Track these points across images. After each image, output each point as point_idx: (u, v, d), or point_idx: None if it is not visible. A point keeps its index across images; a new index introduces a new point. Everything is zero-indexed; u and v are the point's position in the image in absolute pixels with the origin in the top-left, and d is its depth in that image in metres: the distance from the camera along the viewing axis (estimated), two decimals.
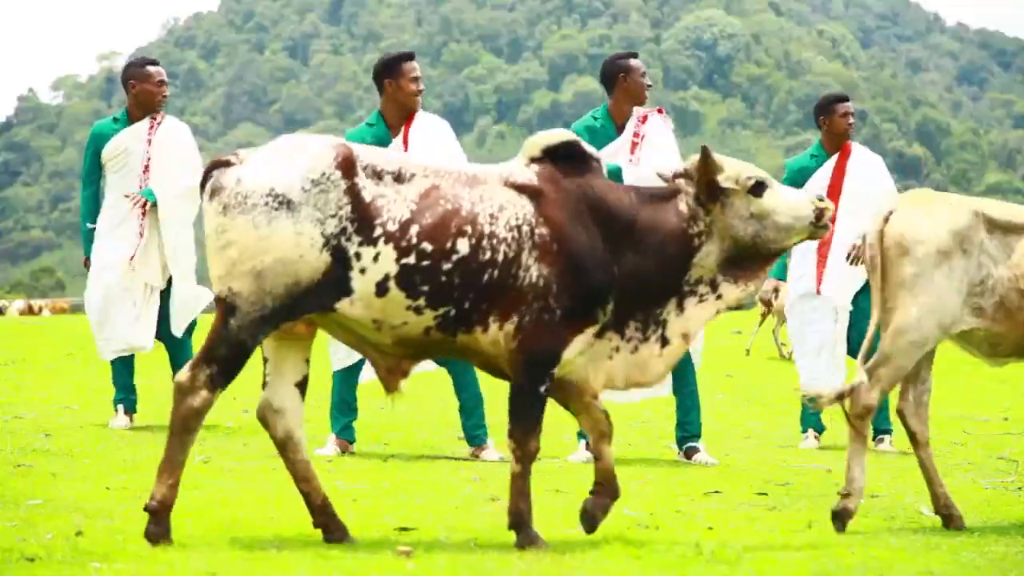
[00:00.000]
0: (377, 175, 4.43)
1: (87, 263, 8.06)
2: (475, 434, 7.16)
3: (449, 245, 4.39)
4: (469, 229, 4.41)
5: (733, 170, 4.66)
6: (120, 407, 7.97)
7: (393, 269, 4.36)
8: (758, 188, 4.64)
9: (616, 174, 6.91)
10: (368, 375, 7.20)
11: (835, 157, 8.35)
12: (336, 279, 4.34)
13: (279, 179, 4.33)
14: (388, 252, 4.35)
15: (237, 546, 4.18)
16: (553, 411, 10.47)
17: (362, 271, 4.35)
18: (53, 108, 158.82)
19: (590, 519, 4.68)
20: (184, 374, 4.35)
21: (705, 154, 4.61)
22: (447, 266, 4.38)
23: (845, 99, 8.47)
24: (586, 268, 4.48)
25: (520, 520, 4.50)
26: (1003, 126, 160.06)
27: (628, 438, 8.44)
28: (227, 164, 4.42)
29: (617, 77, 7.29)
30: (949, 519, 5.31)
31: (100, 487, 5.43)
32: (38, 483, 5.47)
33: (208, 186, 4.41)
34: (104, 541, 4.17)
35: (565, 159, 4.61)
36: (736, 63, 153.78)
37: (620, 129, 7.20)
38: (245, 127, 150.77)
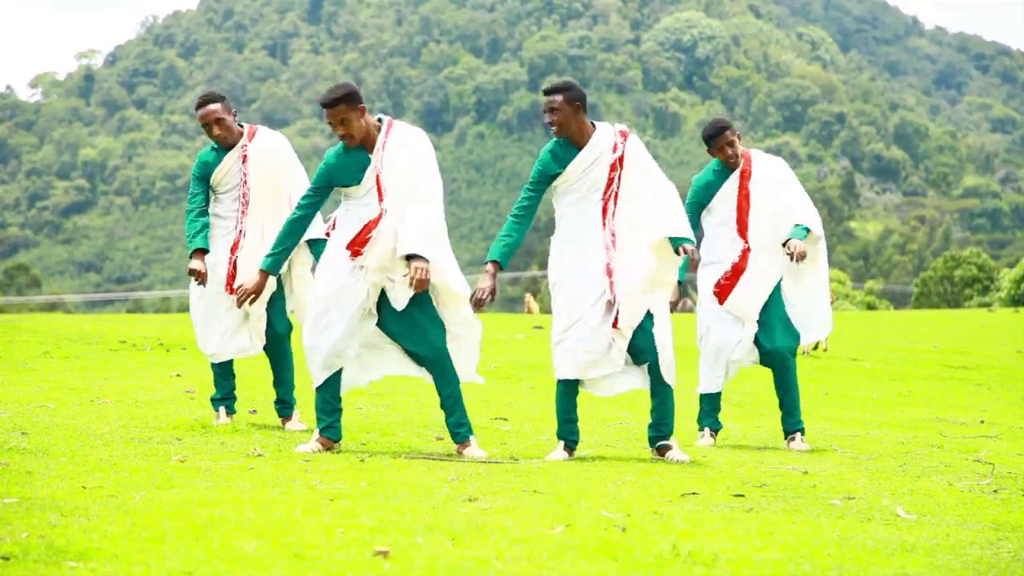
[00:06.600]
0: None
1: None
2: (457, 431, 7.19)
3: None
4: None
5: None
6: (222, 408, 8.26)
7: None
8: None
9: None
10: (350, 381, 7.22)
11: (738, 170, 8.40)
12: None
13: None
14: None
15: (214, 546, 4.17)
16: (529, 412, 10.45)
17: None
18: (31, 106, 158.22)
19: None
20: None
21: None
22: None
23: (724, 130, 8.35)
24: None
25: None
26: (980, 129, 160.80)
27: (606, 438, 8.45)
28: None
29: None
30: None
31: (76, 486, 5.41)
32: (13, 481, 5.44)
33: None
34: (80, 540, 4.16)
35: None
36: (715, 65, 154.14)
37: (581, 148, 7.19)
38: None
